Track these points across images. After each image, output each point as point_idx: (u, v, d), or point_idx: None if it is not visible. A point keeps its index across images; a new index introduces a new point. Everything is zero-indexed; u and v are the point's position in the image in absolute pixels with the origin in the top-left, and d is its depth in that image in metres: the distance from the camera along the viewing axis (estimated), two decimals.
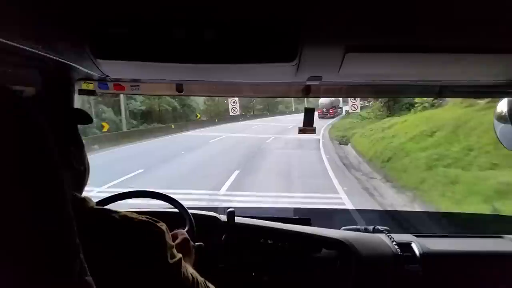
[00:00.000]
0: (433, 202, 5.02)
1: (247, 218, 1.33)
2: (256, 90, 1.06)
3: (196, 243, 1.01)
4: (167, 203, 1.14)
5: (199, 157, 9.57)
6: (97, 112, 14.89)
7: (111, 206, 0.94)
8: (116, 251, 0.55)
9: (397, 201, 5.44)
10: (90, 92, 1.00)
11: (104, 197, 1.09)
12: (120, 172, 7.10)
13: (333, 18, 0.57)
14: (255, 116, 28.04)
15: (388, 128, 10.30)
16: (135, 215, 0.59)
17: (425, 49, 0.66)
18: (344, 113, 21.59)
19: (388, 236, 1.31)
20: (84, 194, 0.63)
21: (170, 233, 0.64)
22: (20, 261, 0.32)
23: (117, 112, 16.30)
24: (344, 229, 1.41)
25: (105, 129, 13.25)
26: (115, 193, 1.11)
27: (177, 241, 0.86)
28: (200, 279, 0.69)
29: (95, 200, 0.70)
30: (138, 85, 1.02)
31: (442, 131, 7.39)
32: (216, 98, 22.25)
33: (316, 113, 1.16)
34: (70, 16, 0.58)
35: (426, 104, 11.11)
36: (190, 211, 1.12)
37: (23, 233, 0.32)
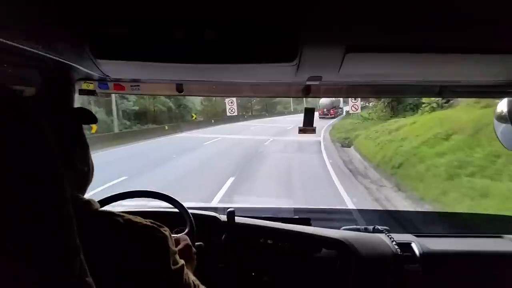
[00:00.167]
0: None
1: (247, 218, 1.33)
2: (256, 90, 1.06)
3: (196, 243, 1.03)
4: (167, 203, 1.14)
5: (190, 161, 8.87)
6: None
7: (111, 206, 1.05)
8: (119, 255, 0.54)
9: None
10: (90, 92, 0.99)
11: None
12: (99, 180, 6.32)
13: (333, 18, 0.57)
14: (253, 117, 27.79)
15: (395, 130, 9.60)
16: (139, 219, 0.59)
17: (425, 49, 0.66)
18: (344, 113, 21.44)
19: (388, 236, 1.31)
20: None
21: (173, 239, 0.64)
22: (19, 261, 0.32)
23: (110, 112, 15.83)
24: (344, 229, 1.40)
25: (93, 131, 12.56)
26: (115, 193, 1.11)
27: (179, 246, 0.85)
28: (202, 287, 0.69)
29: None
30: (138, 85, 1.01)
31: (460, 134, 6.58)
32: (214, 98, 22.13)
33: (316, 114, 1.24)
34: (70, 16, 0.58)
35: (434, 105, 10.42)
36: (190, 211, 1.12)
37: (22, 233, 0.32)
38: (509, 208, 3.96)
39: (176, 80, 0.98)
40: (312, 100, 20.55)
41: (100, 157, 9.15)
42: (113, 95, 11.94)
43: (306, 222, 1.39)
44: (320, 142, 11.62)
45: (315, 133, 1.08)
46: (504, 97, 1.04)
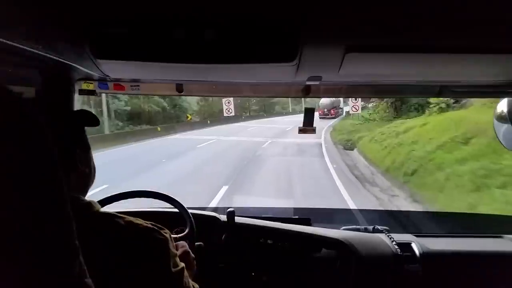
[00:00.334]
0: None
1: (247, 218, 1.33)
2: (256, 90, 1.07)
3: (196, 243, 1.05)
4: (167, 203, 1.15)
5: (181, 166, 8.12)
6: None
7: (111, 206, 1.05)
8: (120, 256, 0.55)
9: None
10: (90, 92, 1.00)
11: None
12: None
13: (333, 18, 0.57)
14: (251, 117, 27.20)
15: (403, 132, 8.81)
16: (140, 221, 0.59)
17: (425, 49, 0.67)
18: (344, 114, 21.17)
19: (388, 236, 1.31)
20: None
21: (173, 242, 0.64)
22: (18, 261, 0.32)
23: (101, 113, 15.10)
24: (344, 229, 1.40)
25: None
26: (115, 193, 1.11)
27: (178, 253, 0.83)
28: None
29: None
30: (138, 85, 1.02)
31: (481, 138, 5.77)
32: (210, 98, 21.80)
33: (316, 114, 1.20)
34: (70, 16, 0.58)
35: (443, 105, 9.77)
36: (190, 211, 1.13)
37: (21, 233, 0.32)
38: None
39: (176, 80, 0.99)
40: (310, 100, 20.28)
41: None
42: (103, 95, 11.39)
43: (306, 222, 1.40)
44: (321, 144, 10.99)
45: (315, 133, 1.08)
46: (504, 97, 1.05)
